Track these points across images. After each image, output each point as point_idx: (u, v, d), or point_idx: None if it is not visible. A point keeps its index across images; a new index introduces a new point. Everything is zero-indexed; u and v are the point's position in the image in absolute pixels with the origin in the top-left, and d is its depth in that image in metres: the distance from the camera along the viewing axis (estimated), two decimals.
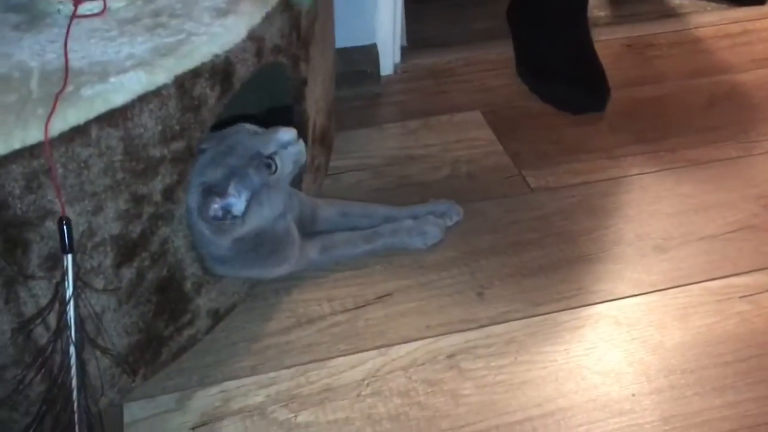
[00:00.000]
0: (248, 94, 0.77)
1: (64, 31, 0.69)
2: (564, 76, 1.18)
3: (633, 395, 0.79)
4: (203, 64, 0.68)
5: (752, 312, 0.88)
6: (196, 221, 0.75)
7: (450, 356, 0.83)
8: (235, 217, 0.74)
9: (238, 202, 0.74)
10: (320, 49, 0.93)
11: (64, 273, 0.62)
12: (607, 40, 1.33)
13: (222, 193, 0.73)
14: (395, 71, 1.27)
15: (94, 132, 0.61)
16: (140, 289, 0.73)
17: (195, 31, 0.69)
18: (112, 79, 0.63)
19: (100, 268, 0.68)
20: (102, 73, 0.64)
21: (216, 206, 0.73)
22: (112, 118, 0.62)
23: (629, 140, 1.13)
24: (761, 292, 0.90)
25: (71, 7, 0.71)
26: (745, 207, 1.01)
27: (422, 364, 0.82)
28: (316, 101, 0.95)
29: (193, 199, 0.74)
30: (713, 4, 1.44)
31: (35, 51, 0.67)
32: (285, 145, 0.77)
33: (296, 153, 0.78)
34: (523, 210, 1.01)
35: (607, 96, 1.17)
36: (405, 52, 1.29)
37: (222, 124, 0.84)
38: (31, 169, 0.59)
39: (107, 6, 0.72)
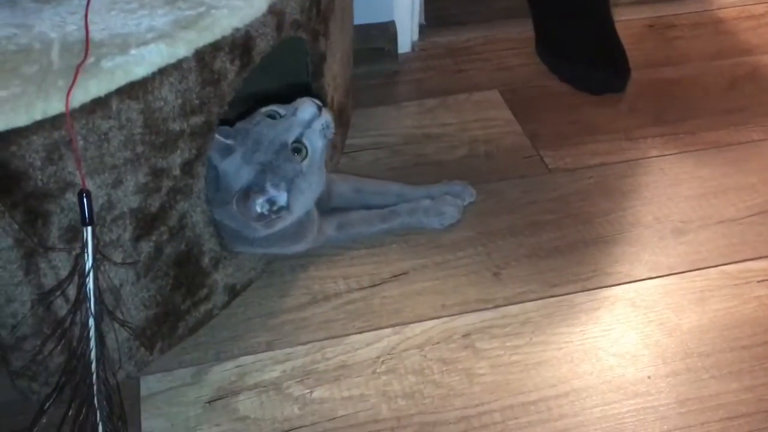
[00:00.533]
0: (267, 69, 0.77)
1: (85, 2, 0.68)
2: (584, 56, 1.16)
3: (649, 377, 0.79)
4: (224, 38, 0.68)
5: None
6: (226, 209, 0.75)
7: (465, 335, 0.83)
8: (281, 208, 0.74)
9: (279, 195, 0.74)
10: (339, 24, 0.93)
11: (84, 245, 0.62)
12: (629, 20, 1.31)
13: (261, 191, 0.73)
14: (413, 49, 1.25)
15: (114, 104, 0.61)
16: (158, 263, 0.73)
17: (215, 4, 0.69)
18: (132, 51, 0.63)
19: (119, 241, 0.69)
20: (122, 45, 0.63)
21: (259, 204, 0.73)
22: (132, 90, 0.62)
23: (649, 122, 1.11)
24: None
25: None
26: (765, 191, 1.00)
27: (437, 342, 0.82)
28: (334, 78, 0.94)
29: (226, 195, 0.74)
30: None
31: (56, 22, 0.66)
32: (309, 124, 0.76)
33: (323, 127, 0.77)
34: (540, 191, 1.01)
35: (627, 77, 1.16)
36: (423, 29, 1.28)
37: (240, 99, 0.83)
38: (52, 141, 0.59)
39: None
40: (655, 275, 0.90)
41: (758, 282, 0.89)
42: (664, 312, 0.86)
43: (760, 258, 0.91)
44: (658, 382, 0.79)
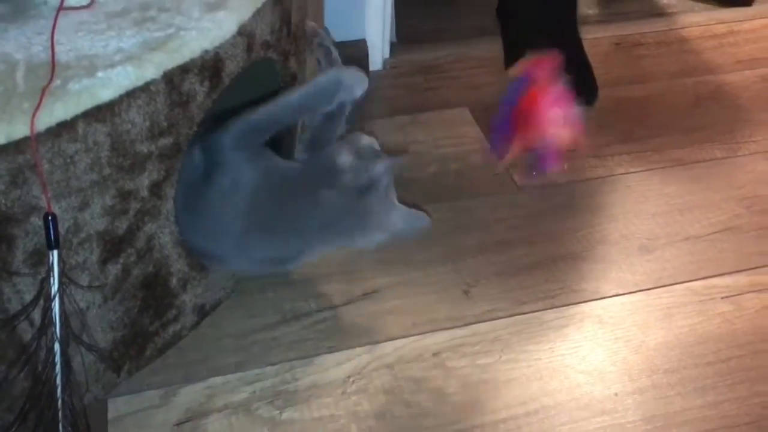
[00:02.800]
0: (239, 86, 0.76)
1: (51, 23, 0.68)
2: None
3: (616, 394, 0.80)
4: (192, 60, 0.67)
5: (734, 313, 0.89)
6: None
7: (436, 354, 0.83)
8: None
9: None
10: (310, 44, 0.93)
11: (50, 269, 0.61)
12: (596, 39, 1.34)
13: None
14: (384, 66, 1.26)
15: (80, 127, 0.61)
16: (126, 285, 0.73)
17: (184, 25, 0.69)
18: (99, 74, 0.62)
19: (86, 263, 0.68)
20: (89, 67, 0.63)
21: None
22: (99, 113, 0.62)
23: (616, 139, 1.13)
24: (743, 293, 0.91)
25: None
26: (728, 208, 1.02)
27: (408, 361, 0.83)
28: None
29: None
30: (700, 5, 1.45)
31: (21, 43, 0.66)
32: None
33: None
34: (509, 208, 1.02)
35: (595, 94, 1.18)
36: (394, 47, 1.29)
37: (211, 118, 0.83)
38: (17, 165, 0.58)
39: None
40: (622, 292, 0.91)
41: (722, 298, 0.91)
42: (631, 329, 0.87)
43: (723, 274, 0.93)
44: (624, 399, 0.80)
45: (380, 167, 0.77)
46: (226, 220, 0.77)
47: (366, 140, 0.82)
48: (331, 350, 0.83)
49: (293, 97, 0.79)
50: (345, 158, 0.77)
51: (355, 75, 0.80)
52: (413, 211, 0.82)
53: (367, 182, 0.76)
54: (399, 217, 0.80)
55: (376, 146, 0.82)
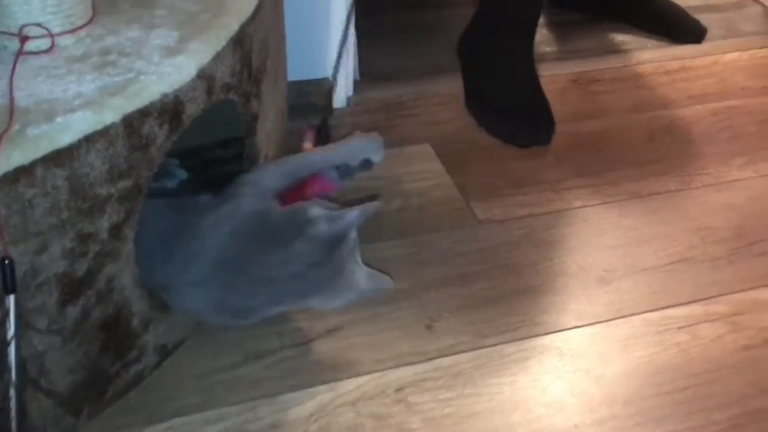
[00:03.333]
0: (201, 126, 0.77)
1: (10, 68, 0.68)
2: (510, 111, 1.21)
3: (575, 426, 0.81)
4: (152, 104, 0.68)
5: (689, 342, 0.91)
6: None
7: (398, 390, 0.84)
8: None
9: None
10: (272, 84, 0.94)
11: (6, 314, 0.61)
12: (553, 75, 1.37)
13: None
14: (348, 104, 1.28)
15: (39, 172, 0.61)
16: (85, 327, 0.73)
17: (144, 70, 0.70)
18: (59, 119, 0.63)
19: (44, 306, 0.68)
20: (49, 112, 0.64)
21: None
22: (58, 157, 0.62)
23: (573, 173, 1.16)
24: (698, 323, 0.93)
25: (18, 44, 0.71)
26: (683, 239, 1.05)
27: (371, 398, 0.83)
28: (267, 135, 0.96)
29: None
30: (654, 42, 1.50)
31: None
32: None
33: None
34: (470, 242, 1.04)
35: (552, 130, 1.21)
36: (358, 85, 1.31)
37: (174, 155, 0.84)
38: None
39: (55, 43, 0.72)
40: (581, 324, 0.93)
41: (678, 328, 0.93)
42: (591, 360, 0.89)
43: (679, 305, 0.96)
44: (584, 431, 0.81)
45: (351, 215, 0.76)
46: (207, 247, 0.77)
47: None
48: (293, 388, 0.83)
49: (330, 154, 0.86)
50: (317, 209, 0.77)
51: (377, 142, 0.87)
52: (378, 273, 0.82)
53: (339, 233, 0.76)
54: (364, 277, 0.80)
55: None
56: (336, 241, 0.76)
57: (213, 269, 0.77)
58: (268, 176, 0.83)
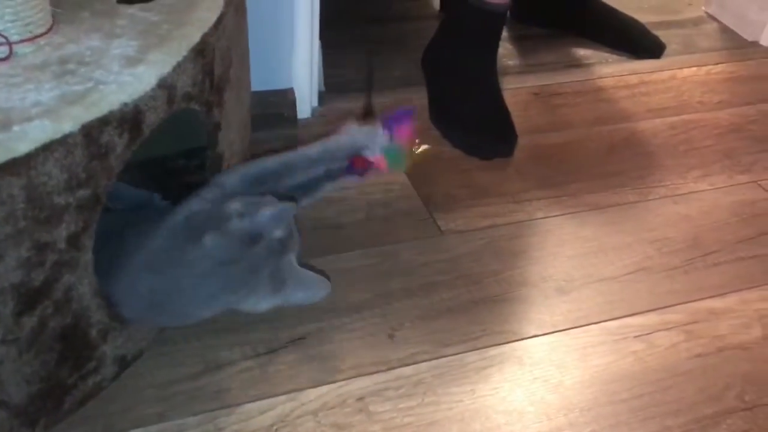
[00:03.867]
0: (163, 135, 0.77)
1: None
2: (473, 124, 1.23)
3: None
4: (111, 113, 0.68)
5: (645, 351, 0.93)
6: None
7: (359, 399, 0.84)
8: None
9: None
10: (235, 93, 0.95)
11: None
12: (516, 89, 1.40)
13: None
14: (313, 114, 1.29)
15: None
16: (42, 337, 0.72)
17: (104, 79, 0.70)
18: (15, 128, 0.62)
19: (0, 317, 0.67)
20: (5, 120, 0.63)
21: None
22: (14, 166, 0.61)
23: (535, 185, 1.18)
24: (654, 332, 0.95)
25: None
26: (640, 249, 1.08)
27: (332, 408, 0.83)
28: (230, 144, 0.96)
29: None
30: (614, 56, 1.54)
31: None
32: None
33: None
34: (433, 252, 1.05)
35: (514, 142, 1.23)
36: (323, 95, 1.32)
37: (136, 165, 0.84)
38: None
39: (13, 51, 0.72)
40: (540, 333, 0.94)
41: (634, 337, 0.95)
42: (549, 369, 0.90)
43: (636, 314, 0.98)
44: None
45: (264, 215, 0.72)
46: (138, 249, 0.75)
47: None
48: (254, 399, 0.83)
49: (312, 150, 0.81)
50: (234, 204, 0.73)
51: (371, 135, 0.82)
52: (315, 276, 0.77)
53: (252, 230, 0.71)
54: (295, 280, 0.75)
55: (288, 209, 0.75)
56: (250, 240, 0.71)
57: (141, 273, 0.74)
58: (233, 179, 0.80)
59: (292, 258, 0.76)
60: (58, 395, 0.77)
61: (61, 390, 0.77)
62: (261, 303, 0.75)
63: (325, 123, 1.28)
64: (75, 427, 0.79)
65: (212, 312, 0.76)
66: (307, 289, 0.78)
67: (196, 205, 0.77)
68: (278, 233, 0.74)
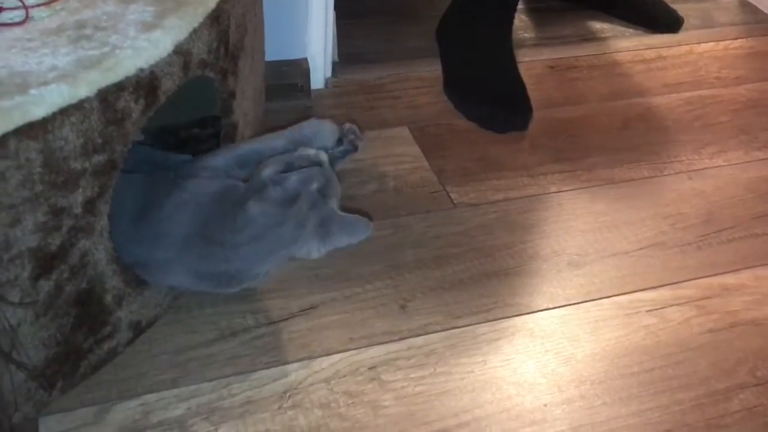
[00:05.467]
0: (177, 103, 0.77)
1: None
2: (488, 97, 1.22)
3: (545, 405, 0.83)
4: (127, 78, 0.68)
5: (657, 325, 0.93)
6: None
7: (371, 368, 0.85)
8: None
9: None
10: (249, 62, 0.94)
11: None
12: (531, 62, 1.39)
13: None
14: (326, 85, 1.28)
15: (12, 144, 0.61)
16: (59, 301, 0.72)
17: (120, 44, 0.69)
18: (32, 91, 0.62)
19: (17, 280, 0.67)
20: (22, 84, 0.63)
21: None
22: (31, 130, 0.62)
23: (549, 159, 1.17)
24: (666, 307, 0.95)
25: None
26: (654, 225, 1.07)
27: (344, 376, 0.84)
28: (244, 114, 0.95)
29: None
30: (631, 30, 1.52)
31: None
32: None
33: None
34: (446, 225, 1.05)
35: (529, 116, 1.22)
36: (336, 66, 1.31)
37: (149, 132, 0.84)
38: None
39: (30, 15, 0.72)
40: (552, 306, 0.94)
41: (646, 312, 0.95)
42: (561, 342, 0.90)
43: (648, 289, 0.98)
44: (553, 410, 0.82)
45: (292, 180, 0.76)
46: (173, 227, 0.78)
47: (307, 152, 0.81)
48: (267, 366, 0.84)
49: (279, 140, 0.83)
50: (269, 170, 0.77)
51: (330, 126, 0.85)
52: (357, 218, 0.81)
53: (287, 194, 0.76)
54: (339, 225, 0.79)
55: (320, 157, 0.81)
56: (289, 200, 0.76)
57: (183, 245, 0.78)
58: (219, 161, 0.83)
59: (334, 204, 0.80)
60: (74, 359, 0.77)
61: (77, 354, 0.77)
62: (312, 251, 0.79)
63: (339, 94, 1.28)
64: (90, 391, 0.80)
65: (268, 267, 0.81)
66: (351, 232, 0.80)
67: (207, 186, 0.80)
68: (315, 185, 0.77)
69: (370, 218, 0.82)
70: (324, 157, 0.82)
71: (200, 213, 0.78)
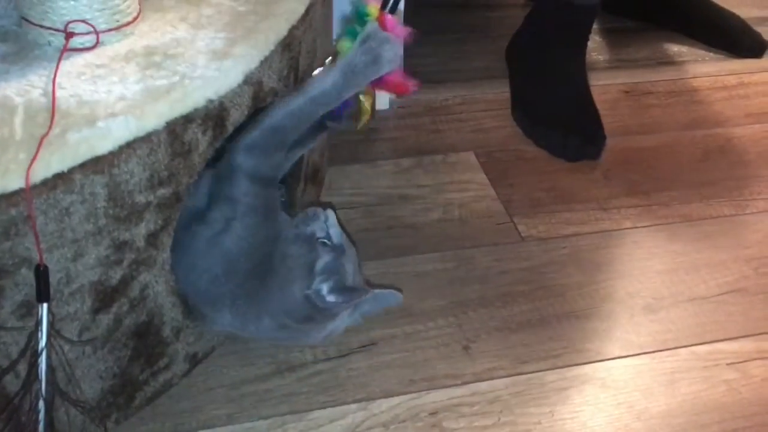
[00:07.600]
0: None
1: (54, 65, 0.66)
2: (560, 123, 1.16)
3: None
4: (196, 110, 0.66)
5: (739, 381, 0.86)
6: None
7: (433, 414, 0.81)
8: None
9: None
10: None
11: (38, 323, 0.59)
12: (605, 85, 1.33)
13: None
14: (391, 106, 1.25)
15: (77, 179, 0.59)
16: (117, 334, 0.71)
17: (189, 73, 0.67)
18: (100, 124, 0.61)
19: (77, 314, 0.66)
20: (90, 115, 0.61)
21: None
22: (97, 164, 0.60)
23: (623, 191, 1.12)
24: (749, 360, 0.89)
25: (63, 40, 0.69)
26: (736, 268, 1.00)
27: (404, 420, 0.80)
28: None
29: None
30: (711, 54, 1.44)
31: (22, 86, 0.64)
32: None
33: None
34: (513, 260, 1.00)
35: (602, 144, 1.16)
36: None
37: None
38: (9, 217, 0.56)
39: (100, 40, 0.70)
40: (625, 354, 0.89)
41: (727, 365, 0.88)
42: (634, 394, 0.85)
43: (729, 339, 0.91)
44: None
45: (329, 302, 0.75)
46: (201, 264, 0.73)
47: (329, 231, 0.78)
48: (324, 405, 0.81)
49: (299, 99, 0.73)
50: (324, 260, 0.75)
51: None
52: (387, 293, 0.81)
53: (327, 309, 0.76)
54: (369, 302, 0.80)
55: (337, 238, 0.78)
56: (326, 311, 0.77)
57: (223, 283, 0.74)
58: (253, 136, 0.72)
59: (358, 278, 0.80)
60: (130, 391, 0.76)
61: (133, 386, 0.76)
62: (341, 327, 0.80)
63: (403, 116, 1.24)
64: (145, 424, 0.78)
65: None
66: (380, 304, 0.82)
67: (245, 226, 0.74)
68: (337, 299, 0.75)
69: (399, 289, 0.82)
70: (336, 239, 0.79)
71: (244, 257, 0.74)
